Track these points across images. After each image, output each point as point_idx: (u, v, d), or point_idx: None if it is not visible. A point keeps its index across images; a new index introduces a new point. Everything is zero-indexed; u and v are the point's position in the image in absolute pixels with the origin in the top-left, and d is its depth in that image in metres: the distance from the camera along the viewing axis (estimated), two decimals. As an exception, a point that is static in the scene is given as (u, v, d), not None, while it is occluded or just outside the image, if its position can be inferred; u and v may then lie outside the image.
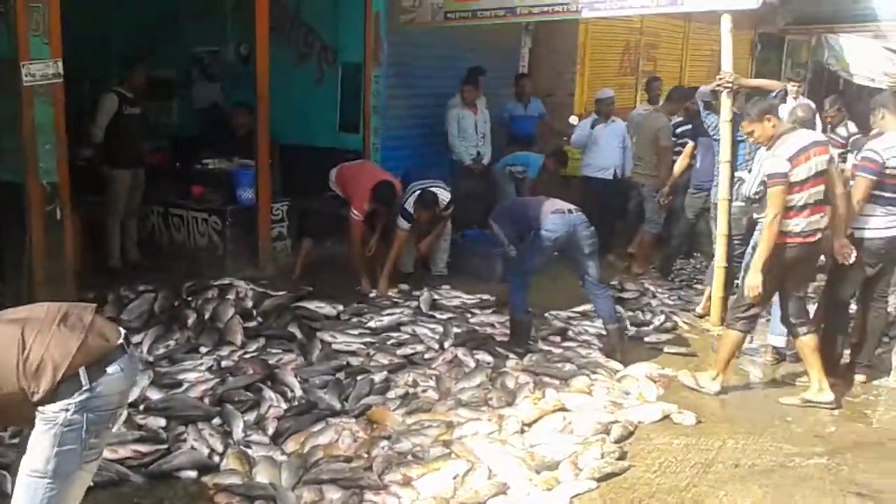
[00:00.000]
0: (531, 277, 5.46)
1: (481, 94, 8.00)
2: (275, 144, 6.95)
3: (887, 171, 4.71)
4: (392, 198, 6.37)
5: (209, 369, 4.69)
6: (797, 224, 4.46)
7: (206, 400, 4.29)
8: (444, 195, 6.57)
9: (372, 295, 6.30)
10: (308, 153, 7.38)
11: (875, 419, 4.52)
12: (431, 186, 6.53)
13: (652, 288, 6.82)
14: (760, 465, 3.92)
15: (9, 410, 2.27)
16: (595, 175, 7.87)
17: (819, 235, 4.53)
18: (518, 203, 6.21)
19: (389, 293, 6.34)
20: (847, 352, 5.12)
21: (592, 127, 7.94)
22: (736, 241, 5.91)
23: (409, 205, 6.42)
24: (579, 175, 8.15)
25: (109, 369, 2.34)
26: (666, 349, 5.54)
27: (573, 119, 8.89)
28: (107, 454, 3.54)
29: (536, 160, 7.82)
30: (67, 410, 2.25)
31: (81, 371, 2.28)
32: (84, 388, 2.28)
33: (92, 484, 3.19)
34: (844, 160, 6.69)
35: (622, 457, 3.92)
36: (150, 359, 4.81)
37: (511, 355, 5.20)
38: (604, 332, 5.50)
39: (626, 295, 6.57)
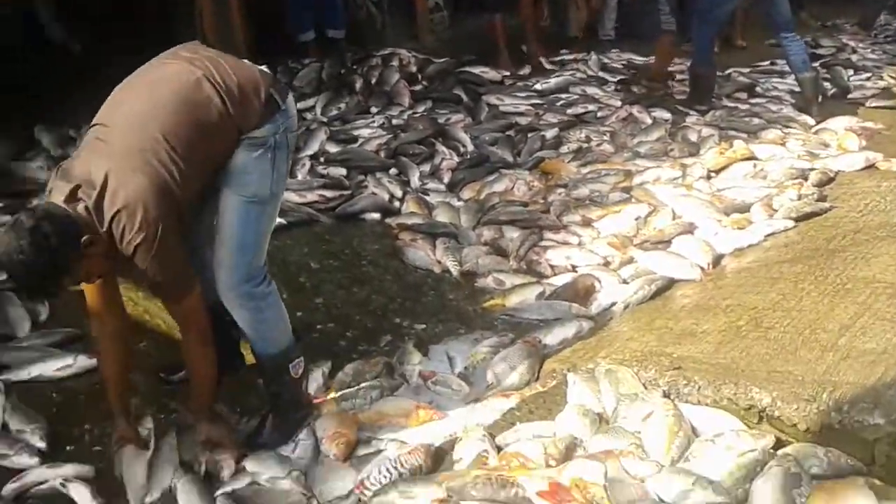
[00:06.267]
0: (718, 28, 4.94)
1: None
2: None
3: None
4: None
5: (381, 126, 4.69)
6: None
7: (382, 153, 4.32)
8: None
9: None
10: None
11: None
12: None
13: (851, 43, 6.11)
14: None
15: (214, 140, 2.11)
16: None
17: None
18: None
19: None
20: None
21: None
22: None
23: None
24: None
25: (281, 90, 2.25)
26: (868, 103, 4.99)
27: None
28: (295, 198, 3.68)
29: None
30: (276, 133, 2.16)
31: (273, 91, 2.20)
32: (282, 109, 2.20)
33: (286, 223, 3.37)
34: None
35: (822, 199, 3.62)
36: (325, 119, 4.85)
37: (692, 112, 4.87)
38: (796, 89, 5.00)
39: (821, 51, 5.91)
